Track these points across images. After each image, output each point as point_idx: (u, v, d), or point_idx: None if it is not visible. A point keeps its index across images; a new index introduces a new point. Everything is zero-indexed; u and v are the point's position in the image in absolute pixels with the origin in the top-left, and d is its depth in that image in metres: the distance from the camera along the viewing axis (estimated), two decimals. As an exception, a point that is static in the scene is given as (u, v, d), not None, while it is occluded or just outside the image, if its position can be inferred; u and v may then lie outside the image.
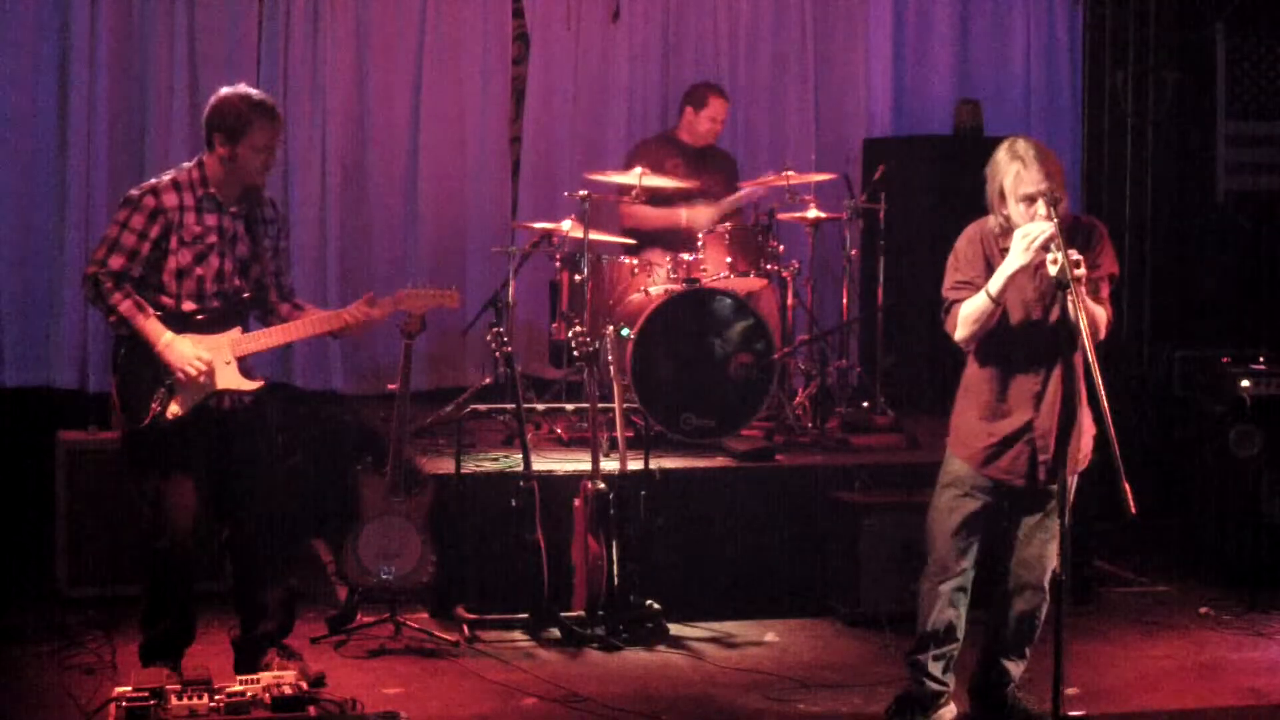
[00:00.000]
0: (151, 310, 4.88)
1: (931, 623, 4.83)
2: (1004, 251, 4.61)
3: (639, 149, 7.68)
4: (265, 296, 5.15)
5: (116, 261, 4.87)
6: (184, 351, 4.88)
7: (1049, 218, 4.47)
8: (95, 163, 7.41)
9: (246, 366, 5.04)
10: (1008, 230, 4.63)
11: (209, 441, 5.01)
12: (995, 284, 4.58)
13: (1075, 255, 4.40)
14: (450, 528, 5.97)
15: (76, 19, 7.37)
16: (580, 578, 5.88)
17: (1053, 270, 4.43)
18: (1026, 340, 4.69)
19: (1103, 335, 4.62)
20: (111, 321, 4.91)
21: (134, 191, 4.97)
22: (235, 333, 5.00)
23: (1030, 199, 4.55)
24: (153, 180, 5.00)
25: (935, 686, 4.87)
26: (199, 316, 4.95)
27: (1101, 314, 4.63)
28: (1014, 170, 4.58)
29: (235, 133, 4.92)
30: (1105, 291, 4.71)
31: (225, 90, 5.01)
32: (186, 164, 5.04)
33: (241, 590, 5.22)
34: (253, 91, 5.02)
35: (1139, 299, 8.71)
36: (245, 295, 5.06)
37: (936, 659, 4.86)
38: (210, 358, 4.91)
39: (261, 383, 5.07)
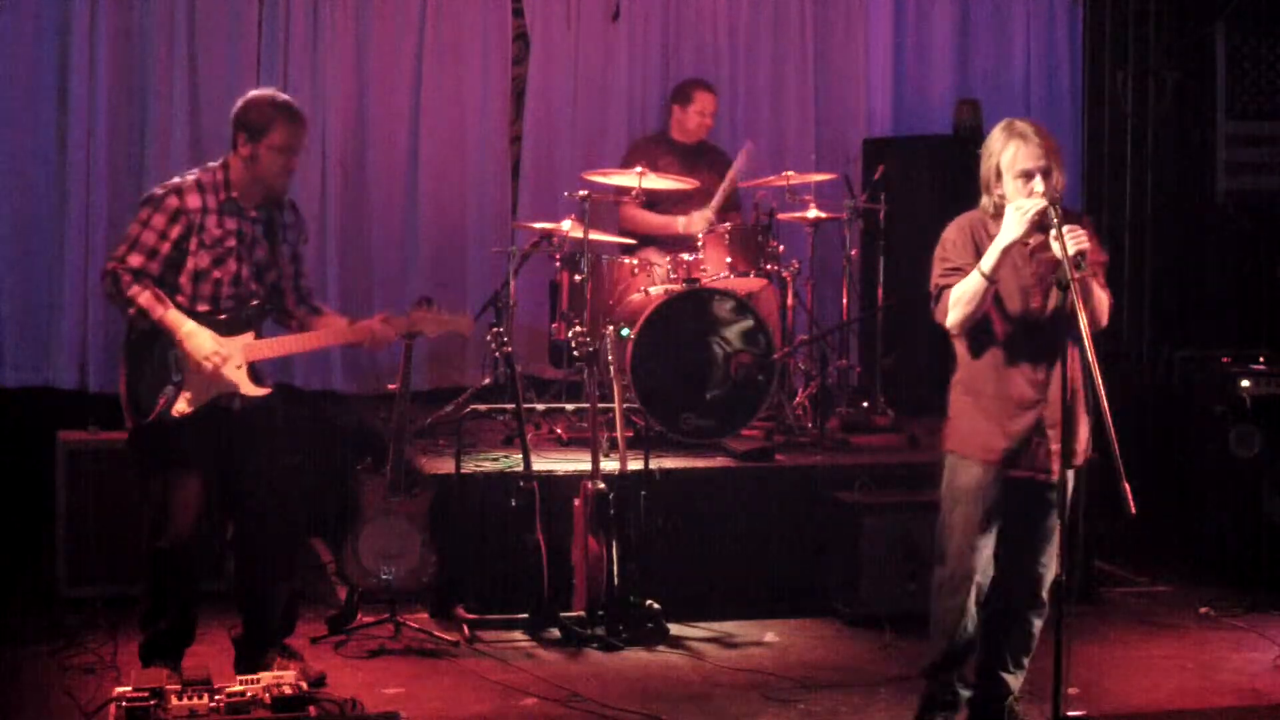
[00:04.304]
0: (170, 302, 4.89)
1: (957, 638, 4.71)
2: (994, 237, 4.54)
3: (633, 149, 7.71)
4: (281, 301, 5.16)
5: (136, 259, 4.87)
6: (203, 344, 4.89)
7: (1045, 195, 4.44)
8: (95, 163, 7.40)
9: (256, 372, 5.05)
10: (999, 214, 4.56)
11: (216, 439, 5.01)
12: (989, 260, 4.48)
13: (1079, 233, 4.34)
14: (450, 528, 5.97)
15: (76, 19, 7.36)
16: (580, 578, 5.89)
17: (1055, 249, 4.39)
18: (1026, 328, 4.60)
19: (1105, 321, 4.57)
20: (131, 314, 4.91)
21: (158, 190, 4.97)
22: (248, 338, 5.00)
23: (1028, 174, 4.49)
24: (176, 179, 5.00)
25: (963, 694, 4.81)
26: (218, 318, 4.96)
27: (1105, 298, 4.57)
28: (1012, 146, 4.52)
29: (257, 131, 4.94)
30: (1101, 279, 4.66)
31: (255, 91, 5.07)
32: (212, 164, 5.04)
33: (244, 589, 5.22)
34: (280, 94, 5.08)
35: (1139, 299, 8.70)
36: (255, 303, 5.06)
37: (962, 673, 4.79)
38: (228, 354, 4.92)
39: (269, 390, 5.08)
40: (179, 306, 4.90)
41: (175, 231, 4.89)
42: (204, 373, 4.90)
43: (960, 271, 4.59)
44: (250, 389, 5.01)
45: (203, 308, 4.95)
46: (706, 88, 7.74)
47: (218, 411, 4.98)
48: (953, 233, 4.70)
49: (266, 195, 5.04)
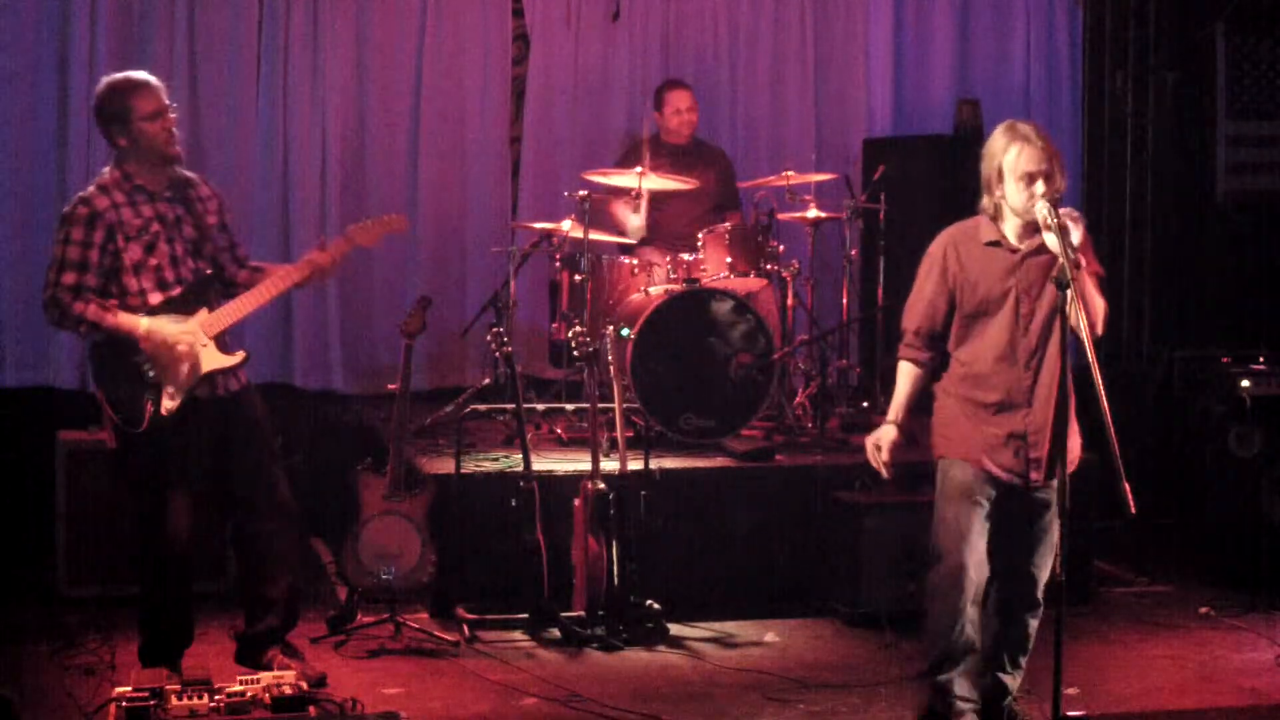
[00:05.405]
0: (115, 308, 4.90)
1: (952, 640, 4.69)
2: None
3: (626, 153, 7.71)
4: (223, 273, 5.18)
5: (69, 278, 4.89)
6: (165, 330, 4.91)
7: (1046, 197, 4.46)
8: (95, 163, 7.36)
9: (224, 343, 5.06)
10: (998, 215, 4.61)
11: (206, 439, 5.01)
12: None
13: (1073, 214, 4.38)
14: (450, 528, 5.97)
15: (76, 19, 7.36)
16: (580, 578, 5.89)
17: (1053, 245, 4.39)
18: (1013, 333, 4.62)
19: (1101, 329, 4.57)
20: (82, 331, 4.95)
21: (65, 208, 5.02)
22: (203, 314, 5.01)
23: (1030, 177, 4.51)
24: (79, 193, 5.04)
25: (963, 704, 4.75)
26: (166, 306, 4.96)
27: (1101, 304, 4.57)
28: (1015, 149, 4.54)
29: (123, 115, 4.98)
30: (1096, 284, 4.65)
31: (97, 89, 5.10)
32: (104, 169, 5.08)
33: (247, 584, 5.23)
34: (114, 75, 5.13)
35: (1139, 299, 8.70)
36: (208, 272, 5.08)
37: (961, 676, 4.74)
38: (192, 333, 4.93)
39: (244, 354, 5.09)
40: (132, 308, 4.92)
41: (98, 236, 4.91)
42: (174, 360, 4.90)
43: (923, 302, 4.70)
44: (223, 360, 5.02)
45: (155, 299, 4.96)
46: (675, 86, 7.75)
47: (201, 405, 4.98)
48: (933, 251, 4.76)
49: (166, 167, 5.05)
